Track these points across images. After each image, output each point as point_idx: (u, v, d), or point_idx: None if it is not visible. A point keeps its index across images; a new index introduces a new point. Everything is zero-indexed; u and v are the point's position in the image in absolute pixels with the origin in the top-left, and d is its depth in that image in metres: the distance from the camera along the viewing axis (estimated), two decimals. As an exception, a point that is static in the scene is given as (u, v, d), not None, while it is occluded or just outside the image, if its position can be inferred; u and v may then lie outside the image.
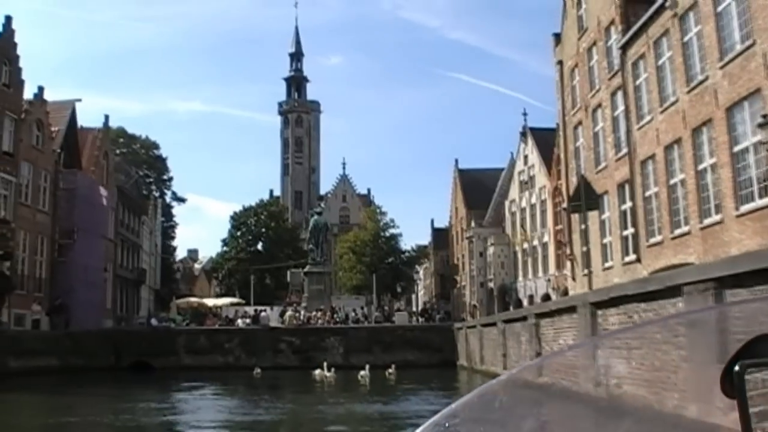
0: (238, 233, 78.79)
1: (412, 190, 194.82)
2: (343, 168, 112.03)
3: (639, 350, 1.62)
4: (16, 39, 39.29)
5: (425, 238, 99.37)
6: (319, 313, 41.81)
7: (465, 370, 33.66)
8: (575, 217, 35.16)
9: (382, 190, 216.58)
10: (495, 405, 1.45)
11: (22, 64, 39.55)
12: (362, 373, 28.06)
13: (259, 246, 76.67)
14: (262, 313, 41.18)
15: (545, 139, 77.64)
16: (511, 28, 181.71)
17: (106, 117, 53.61)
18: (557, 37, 40.22)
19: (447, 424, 1.33)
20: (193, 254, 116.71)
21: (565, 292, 55.44)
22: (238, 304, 52.32)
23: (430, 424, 1.32)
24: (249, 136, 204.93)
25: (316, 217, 54.31)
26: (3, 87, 37.70)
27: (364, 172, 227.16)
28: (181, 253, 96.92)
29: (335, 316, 42.26)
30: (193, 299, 58.62)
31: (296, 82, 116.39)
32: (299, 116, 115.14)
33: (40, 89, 42.01)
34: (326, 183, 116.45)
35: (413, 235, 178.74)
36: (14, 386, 27.20)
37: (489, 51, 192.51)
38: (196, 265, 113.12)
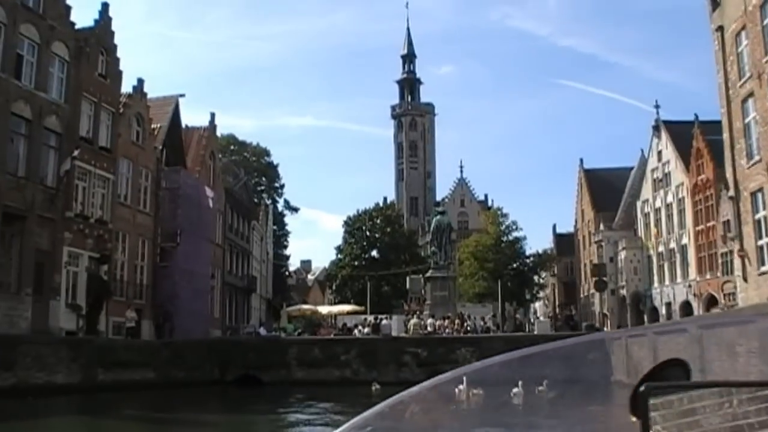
0: (352, 239, 74.98)
1: (530, 197, 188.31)
2: (461, 171, 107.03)
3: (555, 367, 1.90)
4: (114, 27, 36.51)
5: (546, 245, 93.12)
6: (446, 322, 37.06)
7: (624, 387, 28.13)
8: (746, 205, 29.47)
9: (498, 197, 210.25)
10: (406, 415, 1.51)
11: (119, 54, 36.76)
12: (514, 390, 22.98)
13: (374, 252, 72.41)
14: (383, 322, 36.73)
15: (681, 133, 70.97)
16: (622, 33, 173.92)
17: (212, 115, 50.64)
18: (714, 1, 34.28)
19: None
20: (306, 265, 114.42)
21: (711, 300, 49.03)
22: (354, 312, 48.09)
23: None
24: (361, 149, 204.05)
25: (438, 216, 49.61)
26: (99, 77, 34.86)
27: (477, 181, 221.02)
28: (293, 265, 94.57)
29: (465, 324, 37.38)
30: (305, 307, 54.92)
31: (409, 85, 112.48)
32: (413, 119, 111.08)
33: (140, 81, 39.15)
34: (442, 188, 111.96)
35: (534, 243, 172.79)
36: (104, 402, 23.77)
37: (601, 57, 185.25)
38: (309, 276, 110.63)
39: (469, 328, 36.93)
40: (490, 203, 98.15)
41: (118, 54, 36.52)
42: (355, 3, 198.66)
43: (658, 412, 1.49)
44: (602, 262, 67.19)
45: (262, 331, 41.73)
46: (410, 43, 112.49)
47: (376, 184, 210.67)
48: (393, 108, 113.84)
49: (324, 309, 51.38)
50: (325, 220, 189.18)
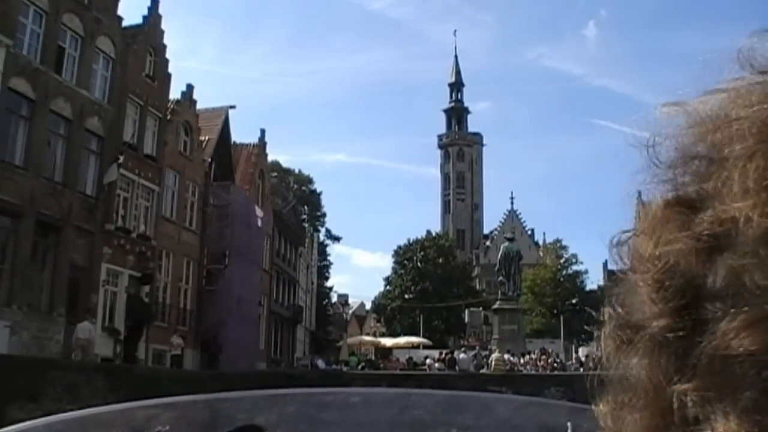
0: (403, 270, 71.01)
1: (577, 236, 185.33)
2: (511, 203, 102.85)
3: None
4: (163, 26, 33.44)
5: (599, 282, 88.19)
6: (527, 357, 32.99)
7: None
8: None
9: (547, 233, 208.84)
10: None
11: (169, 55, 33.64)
12: None
13: (426, 284, 68.31)
14: (461, 356, 32.69)
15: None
16: (658, 74, 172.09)
17: (262, 131, 47.35)
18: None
19: None
20: (342, 298, 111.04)
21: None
22: (419, 346, 43.99)
23: None
24: (395, 187, 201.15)
25: (507, 243, 45.55)
26: (146, 78, 31.73)
27: (522, 217, 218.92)
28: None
29: (550, 360, 33.22)
30: (366, 338, 50.85)
31: (457, 114, 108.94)
32: (461, 150, 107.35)
33: (189, 87, 36.01)
34: (489, 222, 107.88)
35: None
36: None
37: (635, 97, 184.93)
38: (347, 310, 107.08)
39: (556, 365, 32.75)
40: (542, 237, 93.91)
41: (168, 55, 33.43)
42: (390, 41, 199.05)
43: None
44: None
45: (321, 363, 37.85)
46: (458, 72, 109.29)
47: (411, 221, 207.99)
48: (440, 138, 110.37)
49: (388, 341, 47.22)
50: (358, 257, 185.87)
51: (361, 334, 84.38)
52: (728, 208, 0.35)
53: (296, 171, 76.65)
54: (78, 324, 23.83)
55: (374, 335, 63.30)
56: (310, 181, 77.34)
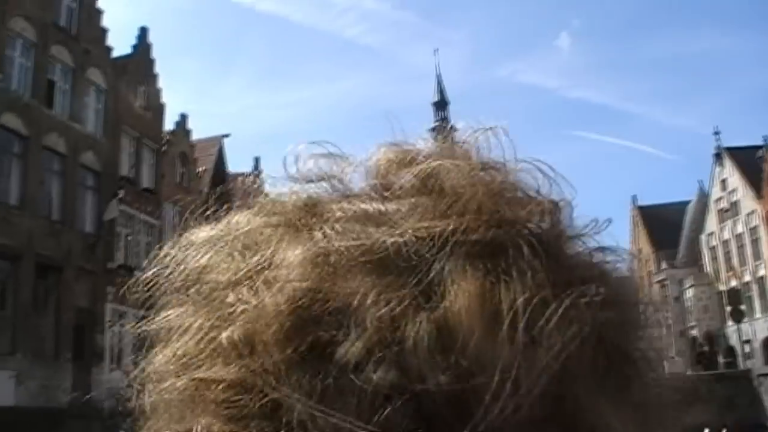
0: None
1: None
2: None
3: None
4: (154, 55, 32.45)
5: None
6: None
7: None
8: None
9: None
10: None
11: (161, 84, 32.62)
12: None
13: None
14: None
15: (744, 159, 66.39)
16: (629, 81, 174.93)
17: (256, 159, 46.27)
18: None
19: None
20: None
21: None
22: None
23: None
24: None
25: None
26: (140, 110, 30.68)
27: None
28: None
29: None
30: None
31: (443, 133, 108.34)
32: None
33: (183, 117, 34.95)
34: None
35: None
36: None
37: (611, 106, 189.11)
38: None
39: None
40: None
41: (160, 84, 32.43)
42: (367, 66, 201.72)
43: None
44: (736, 288, 61.38)
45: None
46: (441, 91, 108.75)
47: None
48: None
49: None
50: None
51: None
52: None
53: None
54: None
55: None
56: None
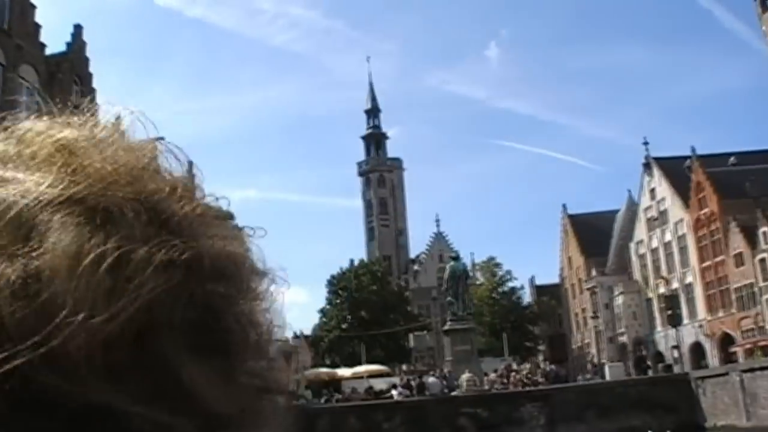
0: (338, 300, 69.23)
1: (503, 251, 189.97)
2: (437, 225, 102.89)
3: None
4: (89, 53, 31.26)
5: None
6: (494, 375, 31.91)
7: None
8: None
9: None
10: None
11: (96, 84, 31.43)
12: None
13: (363, 312, 66.73)
14: (430, 380, 31.25)
15: (672, 169, 68.05)
16: (555, 92, 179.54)
17: (190, 163, 45.01)
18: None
19: None
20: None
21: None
22: (378, 374, 42.23)
23: None
24: (318, 219, 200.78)
25: (452, 263, 44.75)
26: (74, 110, 29.36)
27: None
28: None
29: (519, 377, 32.19)
30: (323, 370, 48.85)
31: (375, 140, 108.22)
32: (381, 175, 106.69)
33: (118, 119, 33.71)
34: (415, 246, 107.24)
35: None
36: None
37: (539, 117, 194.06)
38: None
39: (526, 381, 31.76)
40: (465, 259, 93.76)
41: (95, 84, 31.23)
42: (296, 73, 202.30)
43: None
44: (674, 293, 62.51)
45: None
46: (373, 98, 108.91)
47: (334, 252, 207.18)
48: (359, 165, 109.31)
49: (347, 371, 45.31)
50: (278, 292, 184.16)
51: (288, 370, 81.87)
52: None
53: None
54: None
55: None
56: (231, 217, 75.35)
